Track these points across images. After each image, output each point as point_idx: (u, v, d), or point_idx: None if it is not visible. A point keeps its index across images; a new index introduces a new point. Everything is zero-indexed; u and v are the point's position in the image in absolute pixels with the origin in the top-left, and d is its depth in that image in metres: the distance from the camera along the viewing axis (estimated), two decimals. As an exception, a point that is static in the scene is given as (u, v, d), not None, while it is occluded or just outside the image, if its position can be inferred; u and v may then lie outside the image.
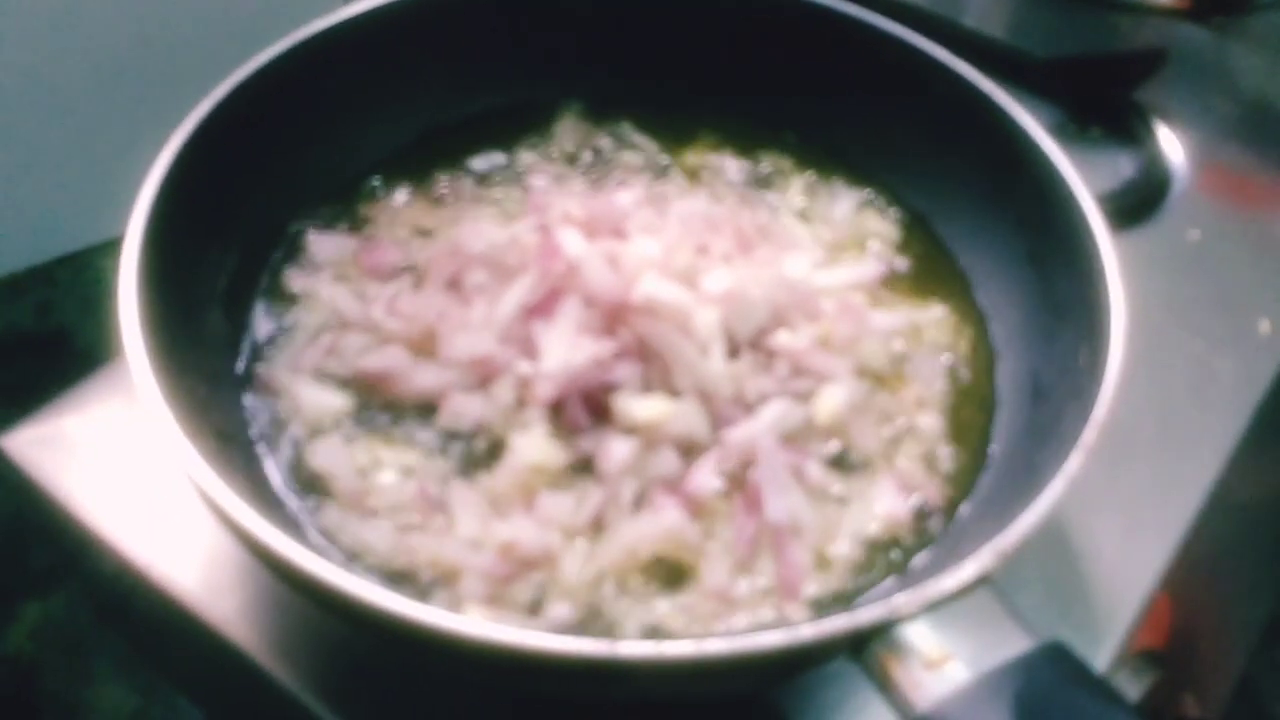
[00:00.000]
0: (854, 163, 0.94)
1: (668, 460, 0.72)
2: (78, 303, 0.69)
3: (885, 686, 0.57)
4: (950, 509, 0.75)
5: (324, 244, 0.84)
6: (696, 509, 0.70)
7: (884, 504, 0.73)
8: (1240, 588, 1.02)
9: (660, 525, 0.69)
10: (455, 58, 0.91)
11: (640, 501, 0.71)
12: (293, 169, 0.86)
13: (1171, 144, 1.09)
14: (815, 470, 0.74)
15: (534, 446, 0.71)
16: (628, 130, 0.95)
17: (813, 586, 0.70)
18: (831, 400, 0.76)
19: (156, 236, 0.69)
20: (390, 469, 0.72)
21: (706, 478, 0.71)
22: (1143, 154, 1.06)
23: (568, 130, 0.95)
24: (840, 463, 0.75)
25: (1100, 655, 0.75)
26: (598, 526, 0.70)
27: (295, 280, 0.82)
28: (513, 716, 0.70)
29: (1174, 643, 0.85)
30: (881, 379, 0.80)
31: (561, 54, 0.95)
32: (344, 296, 0.80)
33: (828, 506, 0.73)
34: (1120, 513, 0.82)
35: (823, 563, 0.71)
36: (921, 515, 0.74)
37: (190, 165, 0.73)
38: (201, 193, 0.74)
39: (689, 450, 0.73)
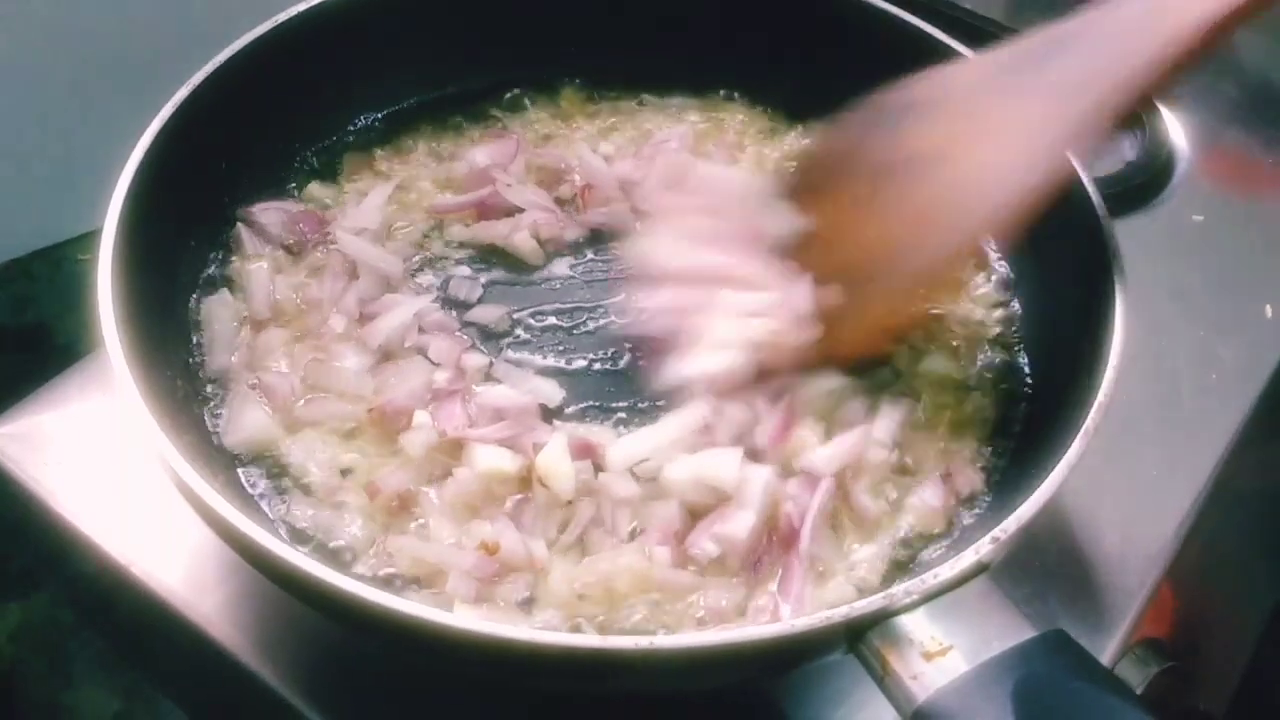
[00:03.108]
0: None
1: (671, 511, 0.69)
2: (55, 297, 0.68)
3: (883, 678, 0.55)
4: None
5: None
6: (684, 560, 0.67)
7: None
8: (1245, 575, 1.01)
9: (642, 568, 0.66)
10: (417, 47, 0.91)
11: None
12: (274, 156, 0.85)
13: (1174, 127, 1.07)
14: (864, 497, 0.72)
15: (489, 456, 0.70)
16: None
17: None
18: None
19: (133, 228, 0.68)
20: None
21: (706, 543, 0.67)
22: (1145, 137, 1.05)
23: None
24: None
25: (1104, 645, 0.73)
26: (582, 546, 0.68)
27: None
28: (497, 712, 0.68)
29: (1178, 631, 0.83)
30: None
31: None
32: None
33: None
34: (1123, 500, 0.80)
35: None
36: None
37: (166, 156, 0.72)
38: (178, 183, 0.73)
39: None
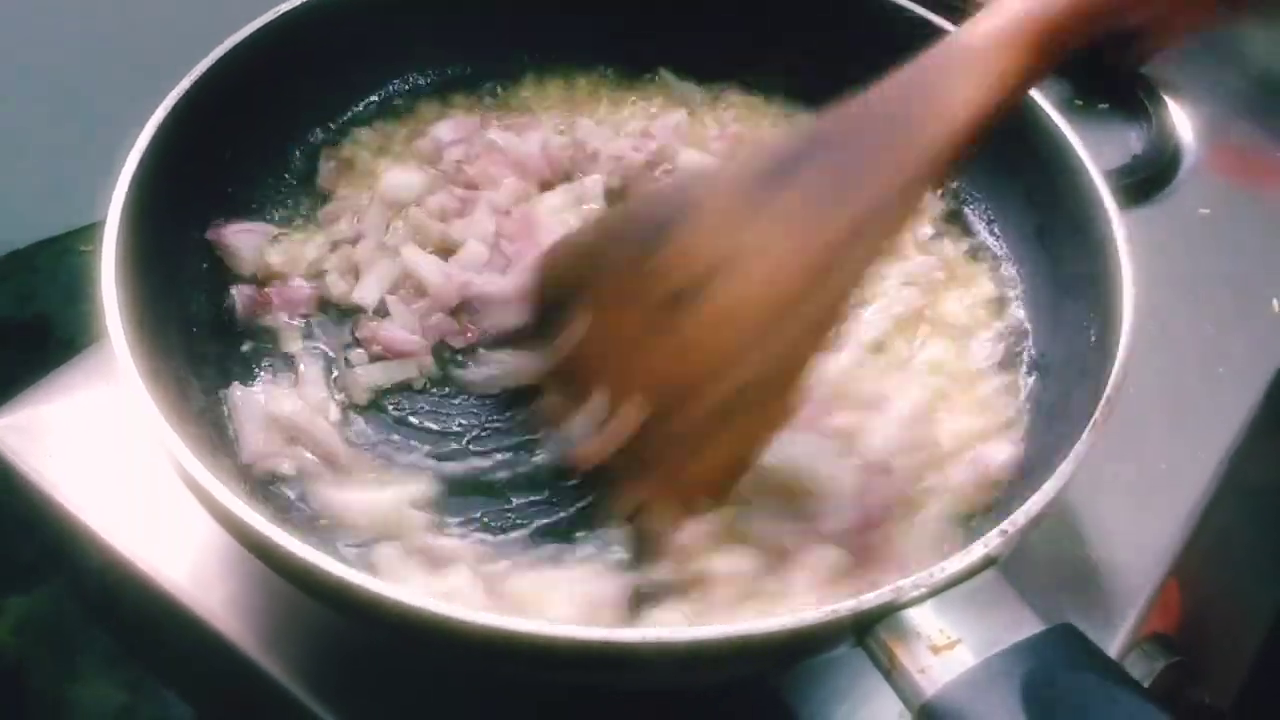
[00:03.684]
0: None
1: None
2: (59, 288, 0.68)
3: (890, 672, 0.55)
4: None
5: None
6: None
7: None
8: (1253, 569, 1.01)
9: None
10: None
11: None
12: (278, 144, 0.85)
13: (1181, 119, 1.07)
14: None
15: None
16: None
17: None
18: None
19: (136, 218, 0.67)
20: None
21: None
22: (1151, 129, 1.04)
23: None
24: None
25: (1112, 639, 0.73)
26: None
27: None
28: (503, 707, 0.68)
29: (1185, 626, 0.83)
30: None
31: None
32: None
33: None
34: (1130, 494, 0.80)
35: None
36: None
37: (169, 145, 0.71)
38: (182, 172, 0.73)
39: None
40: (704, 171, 0.75)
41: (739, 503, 0.67)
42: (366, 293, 0.80)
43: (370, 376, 0.76)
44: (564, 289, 0.70)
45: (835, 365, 0.75)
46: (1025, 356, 0.80)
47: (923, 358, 0.79)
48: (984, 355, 0.80)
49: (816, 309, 0.62)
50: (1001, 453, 0.73)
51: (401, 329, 0.78)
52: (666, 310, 0.64)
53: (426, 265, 0.81)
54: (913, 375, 0.78)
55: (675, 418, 0.64)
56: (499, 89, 0.95)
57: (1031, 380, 0.79)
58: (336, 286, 0.80)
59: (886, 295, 0.82)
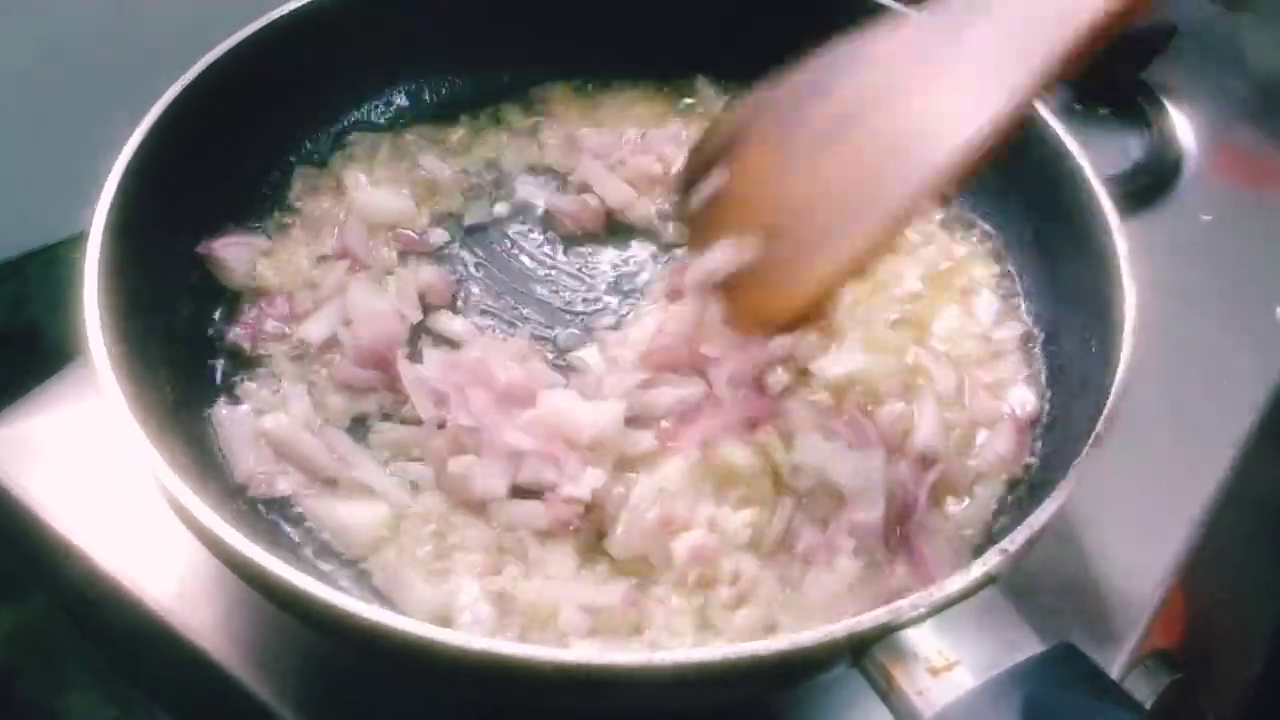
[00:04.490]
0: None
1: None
2: (49, 298, 0.67)
3: (888, 694, 0.54)
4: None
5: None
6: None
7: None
8: (1256, 584, 1.00)
9: None
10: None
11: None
12: (267, 154, 0.84)
13: (1182, 124, 1.06)
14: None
15: None
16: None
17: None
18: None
19: (120, 230, 0.67)
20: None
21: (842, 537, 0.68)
22: (1152, 135, 1.03)
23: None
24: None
25: (1114, 656, 0.72)
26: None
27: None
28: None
29: (1188, 642, 0.82)
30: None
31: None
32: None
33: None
34: (1132, 508, 0.79)
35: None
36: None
37: (155, 155, 0.70)
38: (167, 183, 0.72)
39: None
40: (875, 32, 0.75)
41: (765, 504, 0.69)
42: (314, 329, 0.77)
43: (338, 404, 0.75)
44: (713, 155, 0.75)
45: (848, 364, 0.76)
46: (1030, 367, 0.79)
47: (925, 362, 0.78)
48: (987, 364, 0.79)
49: (945, 151, 0.64)
50: (1028, 401, 0.75)
51: (354, 365, 0.75)
52: (815, 144, 0.69)
53: (364, 306, 0.78)
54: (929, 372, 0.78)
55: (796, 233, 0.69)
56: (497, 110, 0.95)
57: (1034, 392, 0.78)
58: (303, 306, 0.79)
59: (885, 306, 0.82)
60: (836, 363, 0.77)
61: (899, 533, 0.68)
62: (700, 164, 0.76)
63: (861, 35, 0.71)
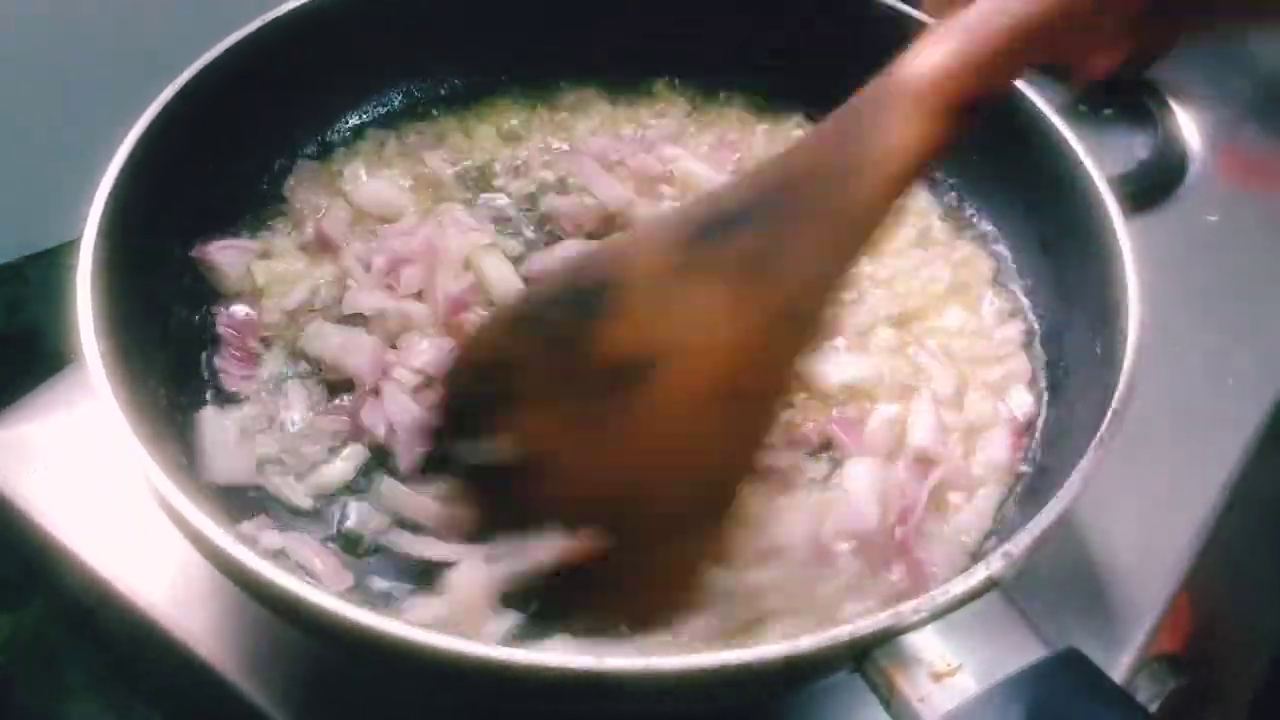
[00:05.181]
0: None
1: None
2: (48, 301, 0.67)
3: (889, 700, 0.53)
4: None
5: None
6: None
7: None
8: (1263, 587, 0.99)
9: None
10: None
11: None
12: (263, 155, 0.84)
13: (1188, 125, 1.05)
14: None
15: None
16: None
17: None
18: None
19: (115, 233, 0.66)
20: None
21: (839, 543, 0.67)
22: (1157, 135, 1.02)
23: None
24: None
25: (1119, 661, 0.72)
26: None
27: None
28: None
29: (1194, 646, 0.81)
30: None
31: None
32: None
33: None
34: (1137, 510, 0.78)
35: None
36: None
37: (149, 158, 0.70)
38: (162, 186, 0.71)
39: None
40: (629, 234, 0.70)
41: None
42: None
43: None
44: (481, 388, 0.63)
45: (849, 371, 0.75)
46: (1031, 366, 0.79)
47: (924, 362, 0.78)
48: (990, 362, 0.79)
49: (763, 380, 0.58)
50: (1027, 403, 0.75)
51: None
52: (604, 396, 0.59)
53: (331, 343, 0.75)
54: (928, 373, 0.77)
55: (626, 532, 0.58)
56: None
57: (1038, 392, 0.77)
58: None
59: (886, 304, 0.81)
60: (838, 369, 0.76)
61: (897, 536, 0.68)
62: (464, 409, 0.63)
63: (608, 247, 0.68)
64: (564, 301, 0.63)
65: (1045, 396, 0.76)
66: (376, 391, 0.73)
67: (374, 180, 0.87)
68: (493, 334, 0.66)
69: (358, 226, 0.84)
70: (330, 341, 0.75)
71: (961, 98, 0.54)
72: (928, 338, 0.80)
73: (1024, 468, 0.73)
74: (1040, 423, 0.75)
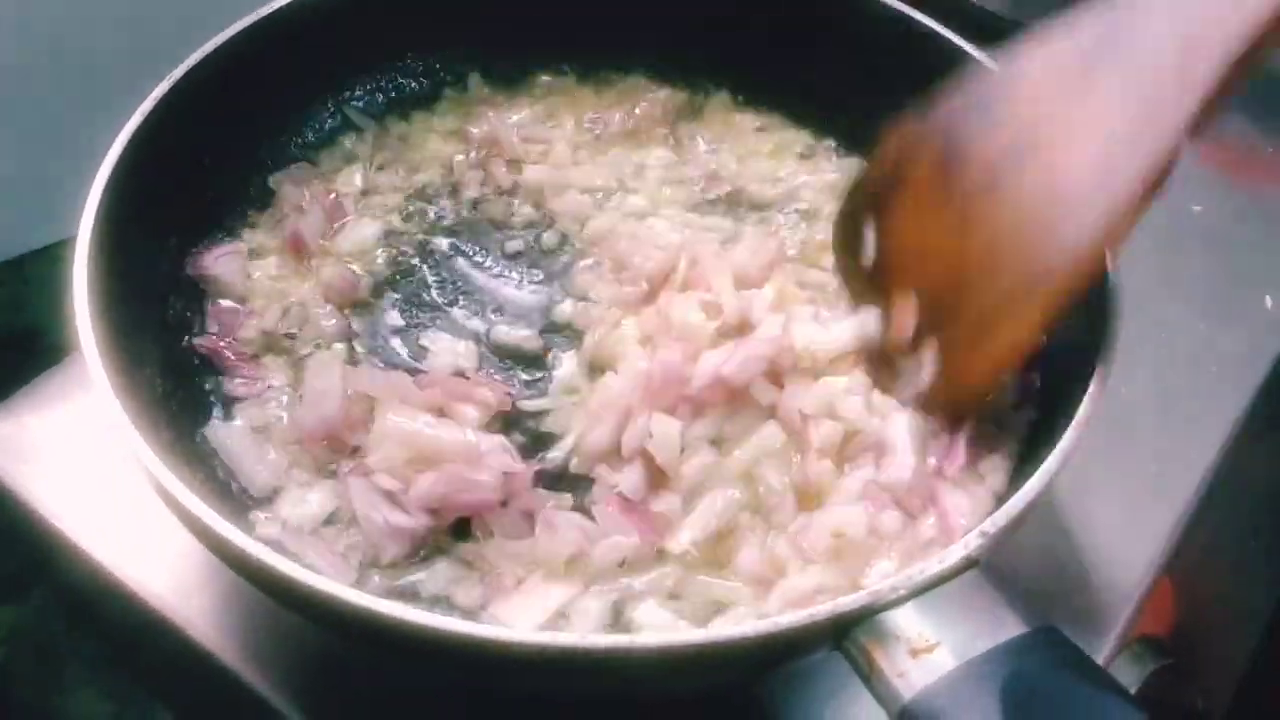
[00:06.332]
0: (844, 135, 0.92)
1: None
2: (50, 298, 0.68)
3: (870, 676, 0.54)
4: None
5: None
6: None
7: None
8: (1246, 571, 1.00)
9: None
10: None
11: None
12: (251, 151, 0.84)
13: (1172, 116, 1.05)
14: None
15: None
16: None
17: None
18: None
19: (110, 226, 0.67)
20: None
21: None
22: (1142, 127, 1.03)
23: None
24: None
25: (1099, 642, 0.73)
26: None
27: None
28: (482, 715, 0.67)
29: (1177, 628, 0.82)
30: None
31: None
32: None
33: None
34: (1120, 494, 0.79)
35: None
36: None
37: (144, 152, 0.71)
38: (158, 180, 0.72)
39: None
40: (1013, 55, 0.71)
41: None
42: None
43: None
44: (890, 181, 0.72)
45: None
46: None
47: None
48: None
49: (1121, 186, 0.61)
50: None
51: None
52: (981, 193, 0.66)
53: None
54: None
55: (978, 299, 0.66)
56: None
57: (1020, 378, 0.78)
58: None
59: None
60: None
61: (931, 485, 0.69)
62: (853, 216, 0.74)
63: (1004, 59, 0.69)
64: (957, 113, 0.69)
65: (1035, 379, 0.76)
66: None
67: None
68: (895, 144, 0.73)
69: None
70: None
71: None
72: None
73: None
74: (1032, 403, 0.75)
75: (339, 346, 0.78)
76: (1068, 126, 0.63)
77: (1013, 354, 0.66)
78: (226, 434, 0.71)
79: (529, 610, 0.62)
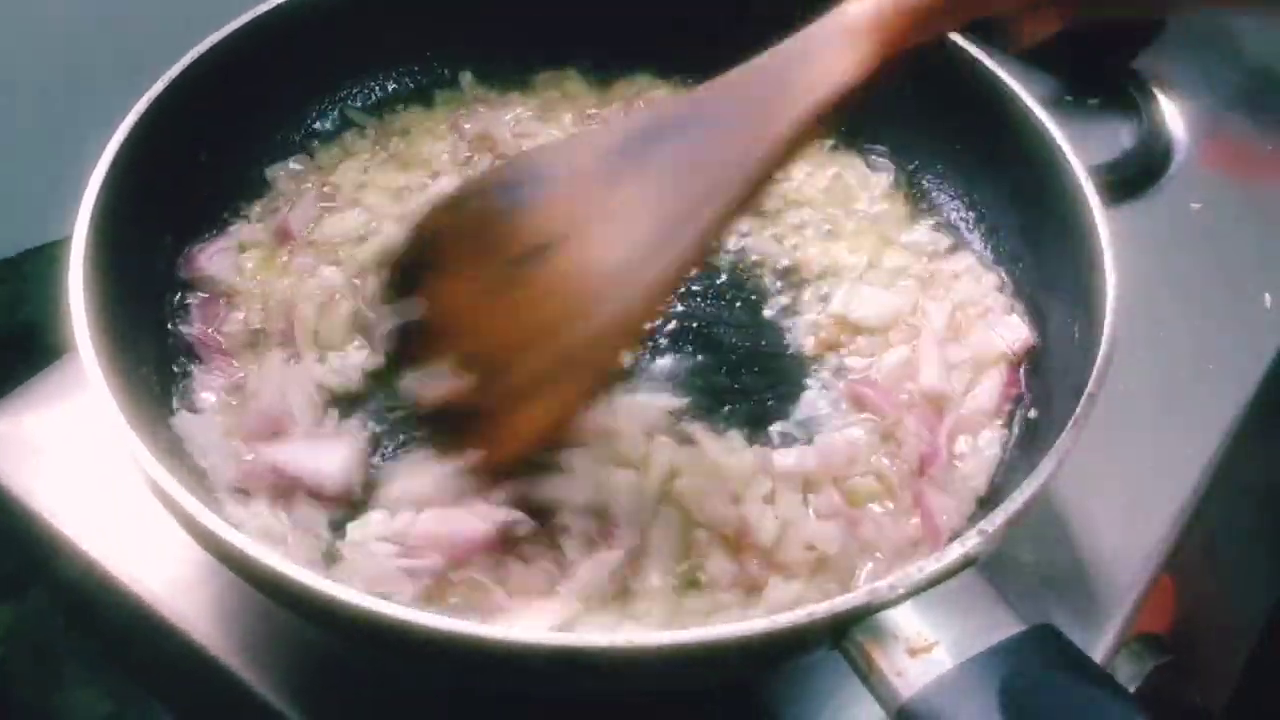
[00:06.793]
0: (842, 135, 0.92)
1: None
2: (48, 297, 0.68)
3: (868, 675, 0.54)
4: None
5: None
6: None
7: None
8: (1245, 569, 1.00)
9: None
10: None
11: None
12: (246, 149, 0.84)
13: (1172, 114, 1.06)
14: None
15: None
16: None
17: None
18: None
19: (106, 224, 0.67)
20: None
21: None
22: (1142, 125, 1.03)
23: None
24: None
25: (1098, 640, 0.72)
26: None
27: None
28: (482, 715, 0.67)
29: (1177, 626, 0.82)
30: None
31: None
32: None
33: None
34: (1119, 493, 0.79)
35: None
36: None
37: (141, 149, 0.71)
38: (155, 177, 0.72)
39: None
40: (564, 140, 0.75)
41: None
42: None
43: None
44: (424, 251, 0.70)
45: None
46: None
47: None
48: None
49: (653, 278, 0.63)
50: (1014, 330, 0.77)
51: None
52: (511, 272, 0.66)
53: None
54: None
55: (506, 377, 0.66)
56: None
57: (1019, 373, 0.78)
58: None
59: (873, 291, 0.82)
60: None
61: (914, 486, 0.69)
62: (399, 277, 0.70)
63: (548, 148, 0.71)
64: (493, 190, 0.69)
65: (1031, 379, 0.77)
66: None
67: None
68: (432, 214, 0.71)
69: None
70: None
71: (894, 43, 0.60)
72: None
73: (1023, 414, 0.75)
74: (1027, 404, 0.76)
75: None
76: (599, 217, 0.64)
77: (553, 427, 0.67)
78: (195, 424, 0.71)
79: (529, 615, 0.62)
